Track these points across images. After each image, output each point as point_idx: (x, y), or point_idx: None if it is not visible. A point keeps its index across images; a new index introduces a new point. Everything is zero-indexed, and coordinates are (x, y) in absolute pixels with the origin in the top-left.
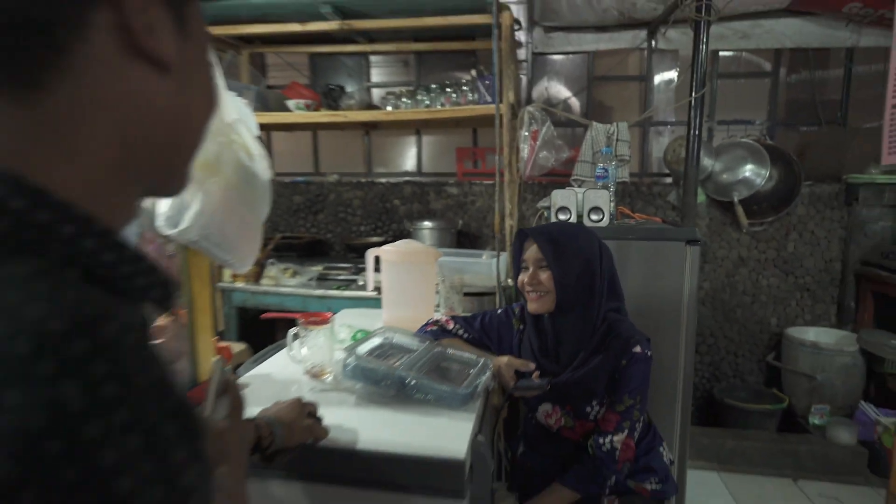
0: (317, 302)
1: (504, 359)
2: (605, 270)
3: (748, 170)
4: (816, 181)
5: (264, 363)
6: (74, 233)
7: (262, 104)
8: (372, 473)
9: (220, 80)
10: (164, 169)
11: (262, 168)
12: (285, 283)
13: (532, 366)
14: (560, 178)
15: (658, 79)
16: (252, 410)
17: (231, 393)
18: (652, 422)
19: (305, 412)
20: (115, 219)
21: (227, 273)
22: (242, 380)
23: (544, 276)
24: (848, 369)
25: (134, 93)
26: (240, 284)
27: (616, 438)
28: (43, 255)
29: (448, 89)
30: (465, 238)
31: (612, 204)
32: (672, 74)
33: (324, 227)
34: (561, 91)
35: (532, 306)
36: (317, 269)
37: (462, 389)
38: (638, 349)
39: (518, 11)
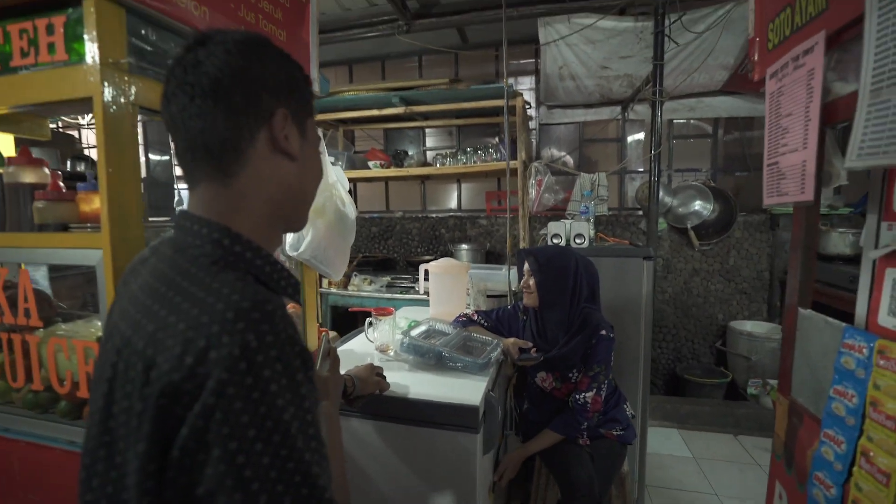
0: (385, 302)
1: (511, 340)
2: (581, 279)
3: (697, 204)
4: (749, 212)
5: (350, 342)
6: (252, 257)
7: (350, 164)
8: (417, 414)
9: (324, 154)
10: (294, 215)
11: (351, 211)
12: (364, 289)
13: (530, 344)
14: (560, 212)
15: (630, 139)
16: (341, 369)
17: (332, 355)
18: (618, 386)
19: (374, 372)
20: (270, 246)
21: (325, 281)
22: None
23: (532, 281)
24: (775, 352)
25: (278, 174)
26: (333, 290)
27: (588, 395)
28: (238, 269)
29: (479, 151)
30: (491, 256)
31: (593, 231)
32: (640, 136)
33: (392, 249)
34: (561, 150)
35: (525, 301)
36: (386, 279)
37: (480, 360)
38: (603, 332)
39: (530, 95)
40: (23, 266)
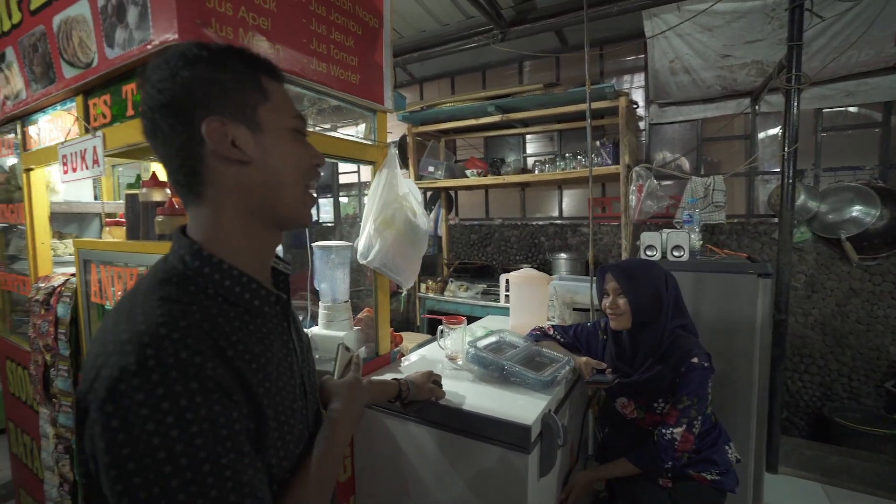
0: (480, 309)
1: (584, 358)
2: (670, 295)
3: (857, 210)
4: None
5: (425, 347)
6: (210, 272)
7: (449, 173)
8: (470, 426)
9: (396, 169)
10: (278, 213)
11: (423, 222)
12: (459, 295)
13: (605, 365)
14: (668, 220)
15: (762, 135)
16: (410, 372)
17: (353, 362)
18: (719, 422)
19: (430, 379)
20: (260, 252)
21: (423, 286)
22: (408, 356)
23: (621, 301)
24: None
25: (238, 181)
26: (430, 294)
27: (676, 430)
28: (193, 285)
29: (579, 156)
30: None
31: (699, 242)
32: (776, 131)
33: (490, 256)
34: (675, 152)
35: (613, 324)
36: (482, 286)
37: (543, 377)
38: (695, 360)
39: (639, 94)
40: (131, 266)
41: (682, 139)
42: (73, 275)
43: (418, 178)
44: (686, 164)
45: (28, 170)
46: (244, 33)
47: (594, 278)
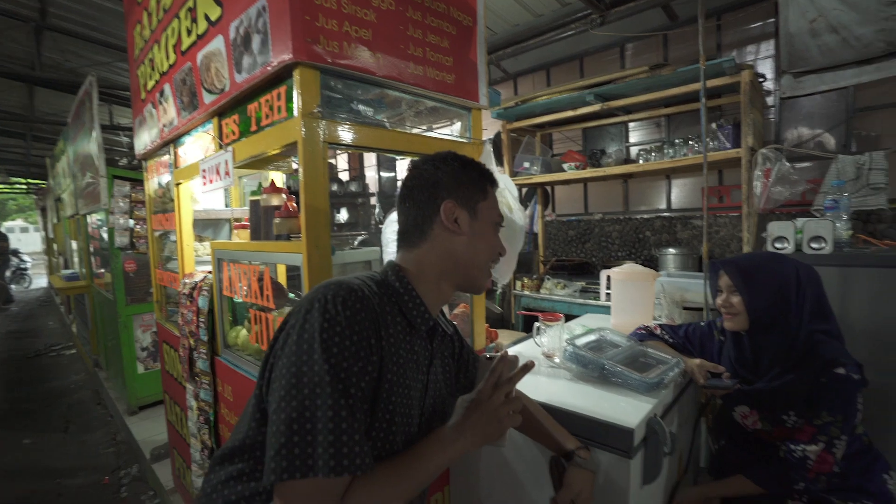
0: (577, 308)
1: (697, 361)
2: (804, 294)
3: None
4: None
5: (520, 344)
6: (398, 287)
7: (545, 168)
8: (570, 426)
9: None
10: (465, 279)
11: (519, 217)
12: (556, 293)
13: (722, 368)
14: (805, 208)
15: None
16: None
17: (488, 376)
18: (874, 445)
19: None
20: (435, 296)
21: (518, 283)
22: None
23: (735, 300)
24: None
25: (447, 245)
26: (527, 292)
27: (810, 449)
28: (383, 289)
29: (691, 141)
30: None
31: (848, 231)
32: None
33: (590, 252)
34: (815, 128)
35: (727, 324)
36: (580, 283)
37: (648, 379)
38: (841, 371)
39: (766, 66)
40: (254, 263)
41: (824, 113)
42: (209, 272)
43: (513, 174)
44: (831, 141)
45: (178, 184)
46: (348, 45)
47: (707, 274)
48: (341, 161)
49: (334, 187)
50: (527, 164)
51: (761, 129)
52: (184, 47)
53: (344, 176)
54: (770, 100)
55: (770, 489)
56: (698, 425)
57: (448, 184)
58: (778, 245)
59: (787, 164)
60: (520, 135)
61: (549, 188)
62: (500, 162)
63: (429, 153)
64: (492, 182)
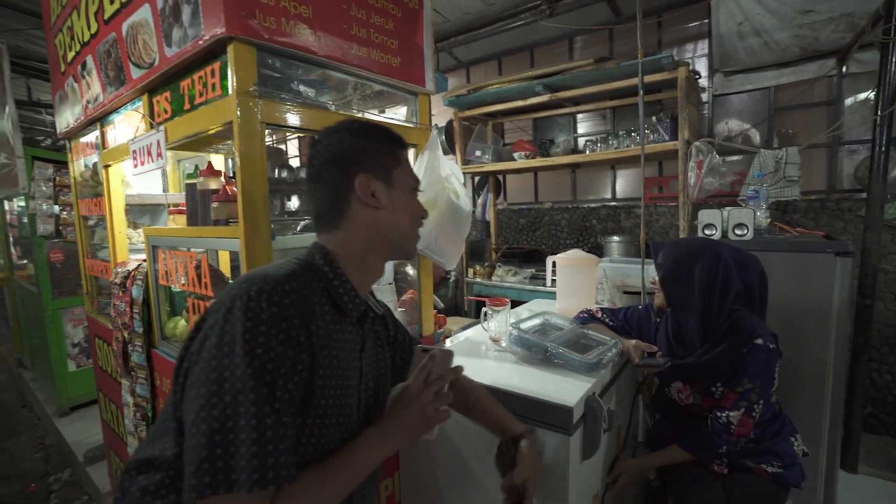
0: (528, 294)
1: (633, 341)
2: (726, 276)
3: None
4: None
5: (469, 330)
6: (327, 271)
7: (497, 157)
8: (514, 407)
9: (439, 159)
10: (392, 250)
11: (465, 203)
12: (507, 280)
13: (655, 348)
14: (732, 198)
15: (850, 101)
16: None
17: (422, 365)
18: (784, 413)
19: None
20: (364, 276)
21: (471, 271)
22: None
23: (659, 278)
24: None
25: (369, 221)
26: (479, 280)
27: (733, 414)
28: (309, 273)
29: (634, 133)
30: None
31: (766, 220)
32: (868, 94)
33: (540, 241)
34: (742, 124)
35: (655, 301)
36: (530, 271)
37: (587, 359)
38: (759, 341)
39: (701, 63)
40: (192, 250)
41: (751, 110)
42: (144, 260)
43: (465, 162)
44: (757, 137)
45: (106, 166)
46: (286, 22)
47: (644, 260)
48: (292, 147)
49: (284, 174)
50: (479, 153)
51: (696, 123)
52: (106, 16)
53: (295, 162)
54: (705, 96)
55: (699, 456)
56: (636, 402)
57: (357, 156)
58: (707, 232)
59: (717, 156)
60: (472, 123)
61: (500, 177)
62: (452, 150)
63: None
64: (402, 145)
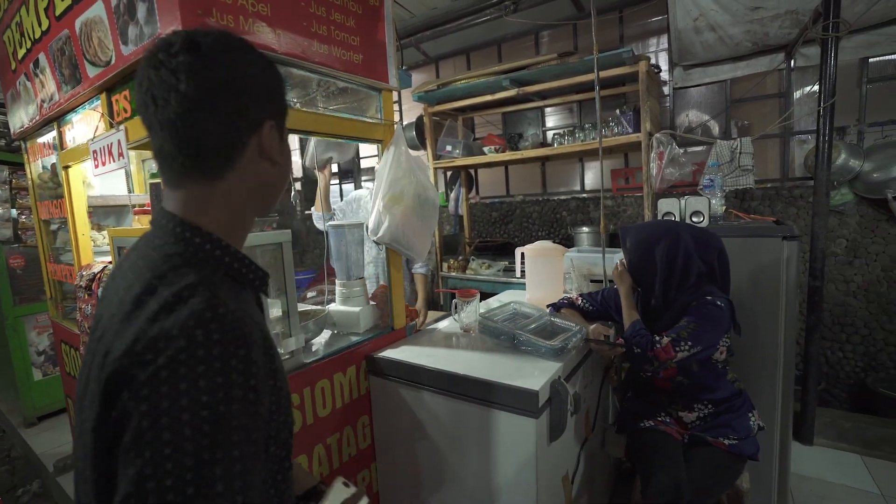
0: (501, 286)
1: (593, 326)
2: (685, 258)
3: None
4: None
5: (441, 322)
6: (221, 254)
7: (468, 151)
8: (482, 393)
9: (402, 146)
10: (265, 208)
11: (433, 196)
12: (482, 273)
13: (610, 331)
14: (693, 188)
15: (799, 93)
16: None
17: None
18: (744, 391)
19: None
20: (242, 236)
21: (445, 265)
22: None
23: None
24: None
25: (263, 178)
26: (453, 273)
27: (664, 340)
28: (206, 266)
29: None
30: (616, 238)
31: (722, 207)
32: (813, 87)
33: (512, 233)
34: (701, 116)
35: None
36: (503, 263)
37: (553, 345)
38: (709, 298)
39: (662, 58)
40: None
41: (709, 102)
42: (110, 262)
43: (437, 157)
44: (715, 128)
45: (66, 167)
46: (245, 20)
47: (606, 249)
48: None
49: None
50: (449, 148)
51: (658, 115)
52: (58, 12)
53: None
54: (666, 89)
55: (627, 340)
56: (604, 385)
57: (259, 93)
58: (667, 218)
59: (677, 148)
60: (442, 118)
61: (472, 171)
62: (423, 145)
63: (340, 134)
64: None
